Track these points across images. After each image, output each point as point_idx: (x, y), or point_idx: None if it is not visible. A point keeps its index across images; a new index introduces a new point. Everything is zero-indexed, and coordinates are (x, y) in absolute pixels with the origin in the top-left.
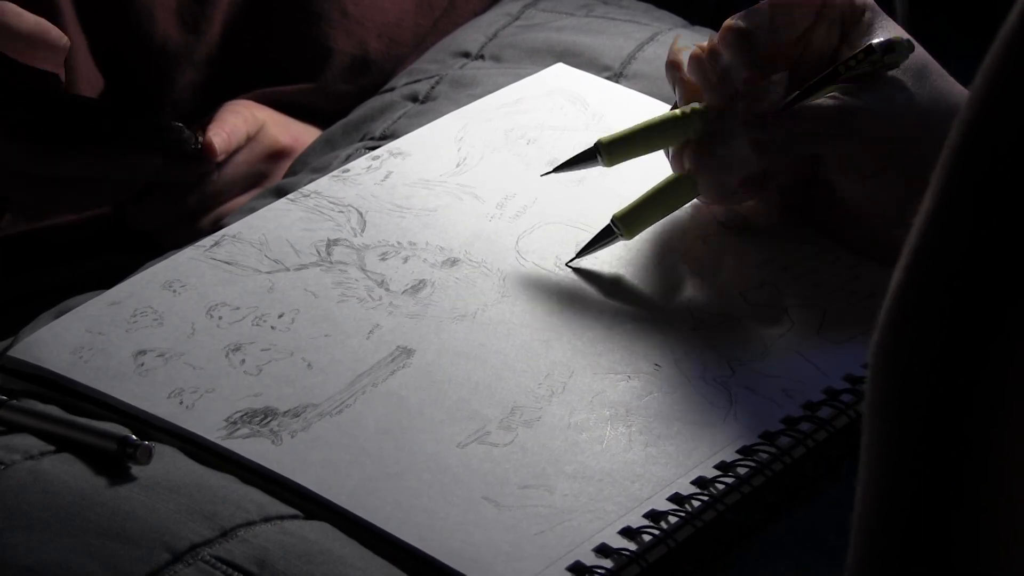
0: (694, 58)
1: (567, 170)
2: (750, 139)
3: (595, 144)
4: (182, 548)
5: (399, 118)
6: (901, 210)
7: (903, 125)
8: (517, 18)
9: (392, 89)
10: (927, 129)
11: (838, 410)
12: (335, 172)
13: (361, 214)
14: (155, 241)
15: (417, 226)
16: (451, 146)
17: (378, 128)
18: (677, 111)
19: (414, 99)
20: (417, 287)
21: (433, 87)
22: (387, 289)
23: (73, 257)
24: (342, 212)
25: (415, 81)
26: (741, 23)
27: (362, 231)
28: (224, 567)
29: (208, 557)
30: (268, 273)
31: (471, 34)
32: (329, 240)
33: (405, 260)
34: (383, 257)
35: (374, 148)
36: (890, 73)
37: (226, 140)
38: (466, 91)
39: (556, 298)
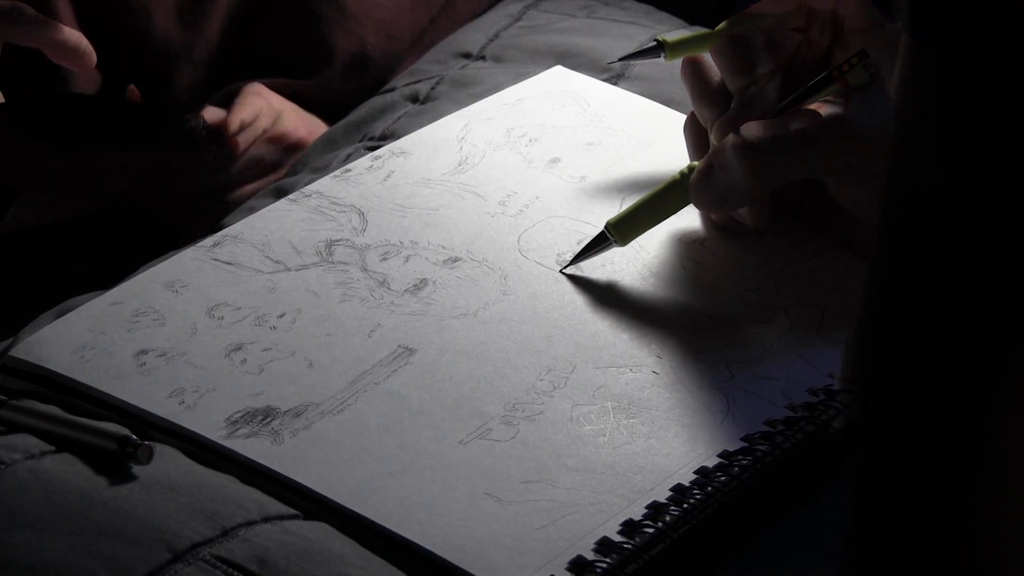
0: (687, 64)
1: (583, 259)
2: (744, 144)
3: (604, 227)
4: (183, 547)
5: (399, 118)
6: None
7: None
8: (518, 19)
9: (393, 89)
10: None
11: (837, 410)
12: (336, 172)
13: (362, 214)
14: (156, 236)
15: (418, 225)
16: (452, 145)
17: (378, 128)
18: (677, 174)
19: (415, 99)
20: (419, 286)
21: (434, 87)
22: (388, 288)
23: (72, 255)
24: (343, 212)
25: (416, 81)
26: (732, 29)
27: (363, 231)
28: (224, 566)
29: (208, 556)
30: (270, 273)
31: (472, 35)
32: (330, 240)
33: (406, 259)
34: (384, 257)
35: (374, 148)
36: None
37: (248, 136)
38: (467, 91)
39: (558, 295)
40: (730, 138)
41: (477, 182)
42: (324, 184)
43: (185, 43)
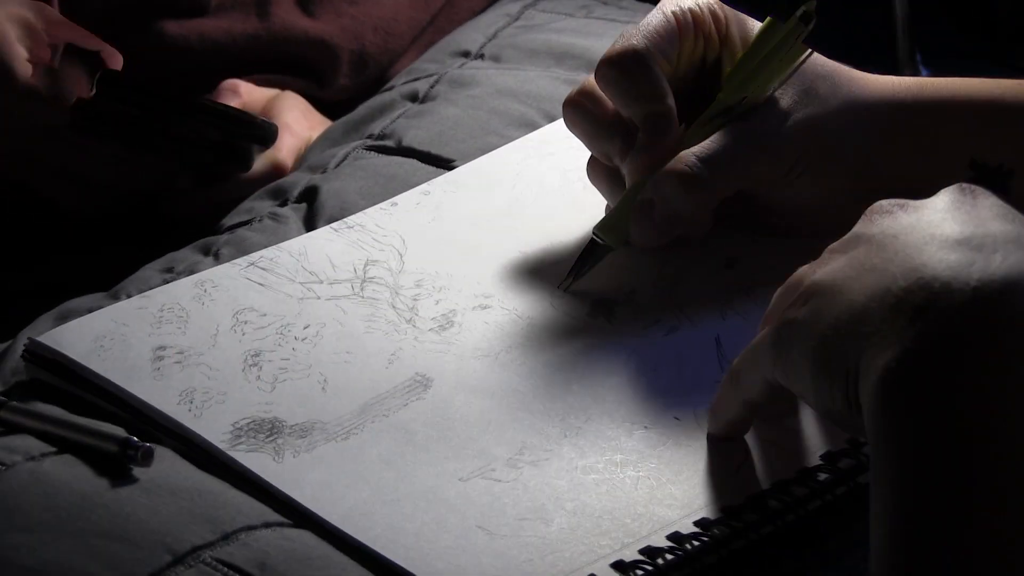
0: (571, 105)
1: (584, 273)
2: (685, 172)
3: (593, 232)
4: (183, 550)
5: (398, 117)
6: (828, 208)
7: (801, 135)
8: (517, 18)
9: (391, 88)
10: (838, 131)
11: (859, 462)
12: (383, 205)
13: (401, 249)
14: (157, 235)
15: (456, 268)
16: (506, 184)
17: (378, 127)
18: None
19: (413, 98)
20: (444, 325)
21: (432, 86)
22: (414, 325)
23: (72, 251)
24: (383, 247)
25: (414, 80)
26: (618, 58)
27: (400, 267)
28: (225, 569)
29: (209, 559)
30: (300, 294)
31: (470, 34)
32: (366, 270)
33: (437, 301)
34: (416, 295)
35: (373, 147)
36: (776, 93)
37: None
38: (465, 91)
39: (584, 343)
40: (666, 170)
41: (525, 227)
42: (369, 214)
43: (183, 39)
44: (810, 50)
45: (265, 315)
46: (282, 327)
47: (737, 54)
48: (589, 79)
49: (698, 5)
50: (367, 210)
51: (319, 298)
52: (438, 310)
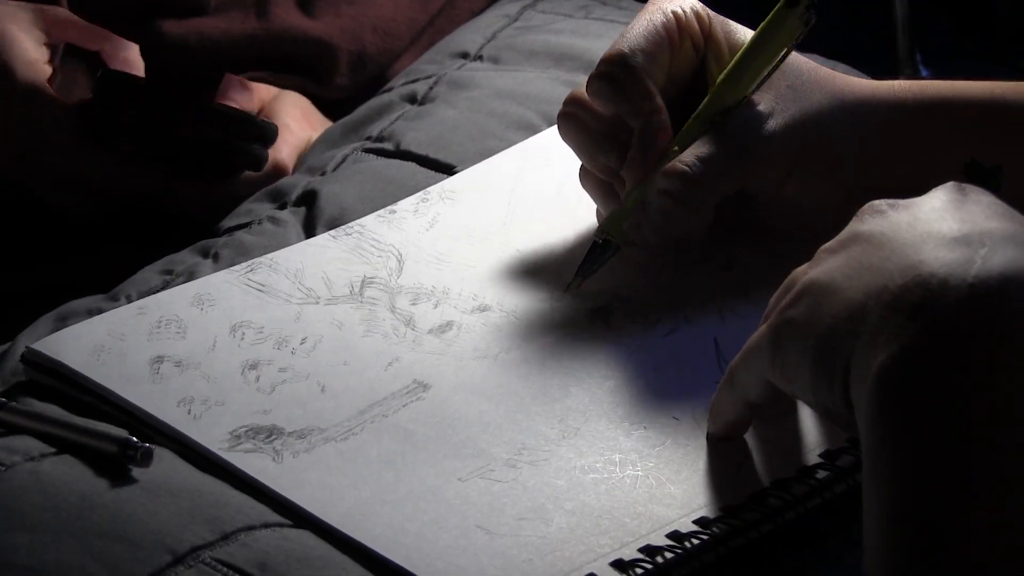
0: (563, 117)
1: (590, 274)
2: (680, 172)
3: (602, 231)
4: (183, 550)
5: (397, 119)
6: (826, 208)
7: (794, 131)
8: (516, 19)
9: (390, 89)
10: (832, 129)
11: (859, 460)
12: (381, 212)
13: (400, 259)
14: (156, 235)
15: (454, 278)
16: (502, 196)
17: (376, 129)
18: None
19: (412, 100)
20: (444, 328)
21: (431, 88)
22: (413, 328)
23: (72, 252)
24: (381, 255)
25: (413, 81)
26: (607, 70)
27: (398, 275)
28: (225, 569)
29: (209, 559)
30: (298, 303)
31: (469, 35)
32: (364, 278)
33: (436, 305)
34: (414, 301)
35: (371, 149)
36: (756, 95)
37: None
38: (464, 93)
39: (582, 345)
40: (663, 171)
41: (521, 240)
42: (367, 222)
43: (181, 38)
44: (787, 47)
45: (262, 330)
46: (279, 341)
47: (722, 54)
48: (580, 89)
49: (682, 8)
50: (365, 217)
51: (317, 303)
52: (437, 313)
